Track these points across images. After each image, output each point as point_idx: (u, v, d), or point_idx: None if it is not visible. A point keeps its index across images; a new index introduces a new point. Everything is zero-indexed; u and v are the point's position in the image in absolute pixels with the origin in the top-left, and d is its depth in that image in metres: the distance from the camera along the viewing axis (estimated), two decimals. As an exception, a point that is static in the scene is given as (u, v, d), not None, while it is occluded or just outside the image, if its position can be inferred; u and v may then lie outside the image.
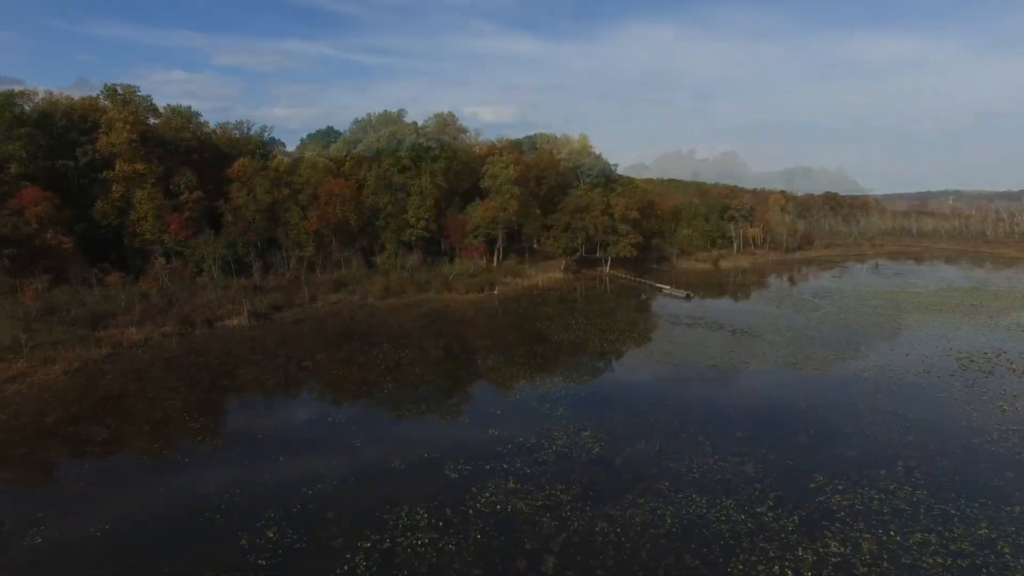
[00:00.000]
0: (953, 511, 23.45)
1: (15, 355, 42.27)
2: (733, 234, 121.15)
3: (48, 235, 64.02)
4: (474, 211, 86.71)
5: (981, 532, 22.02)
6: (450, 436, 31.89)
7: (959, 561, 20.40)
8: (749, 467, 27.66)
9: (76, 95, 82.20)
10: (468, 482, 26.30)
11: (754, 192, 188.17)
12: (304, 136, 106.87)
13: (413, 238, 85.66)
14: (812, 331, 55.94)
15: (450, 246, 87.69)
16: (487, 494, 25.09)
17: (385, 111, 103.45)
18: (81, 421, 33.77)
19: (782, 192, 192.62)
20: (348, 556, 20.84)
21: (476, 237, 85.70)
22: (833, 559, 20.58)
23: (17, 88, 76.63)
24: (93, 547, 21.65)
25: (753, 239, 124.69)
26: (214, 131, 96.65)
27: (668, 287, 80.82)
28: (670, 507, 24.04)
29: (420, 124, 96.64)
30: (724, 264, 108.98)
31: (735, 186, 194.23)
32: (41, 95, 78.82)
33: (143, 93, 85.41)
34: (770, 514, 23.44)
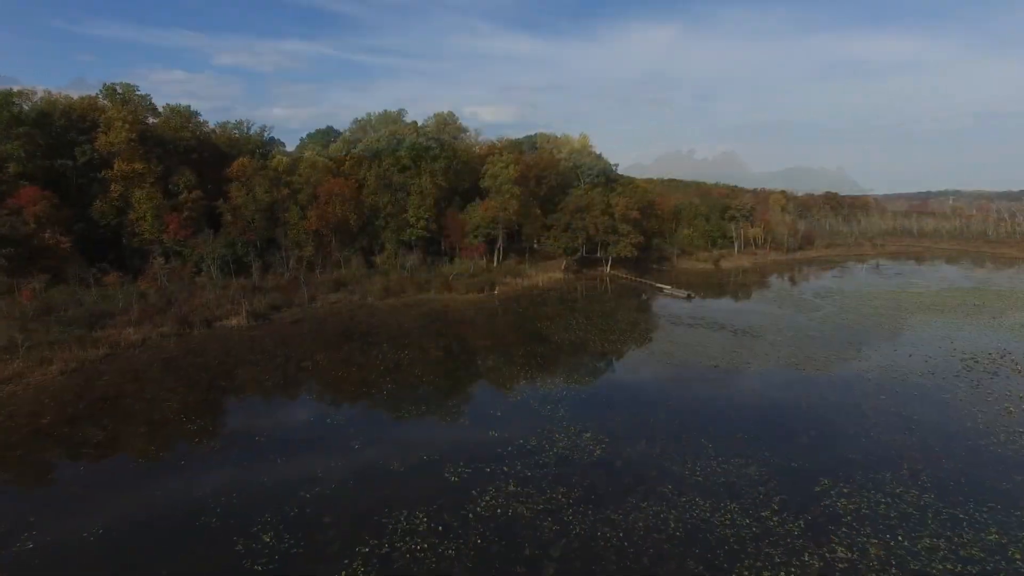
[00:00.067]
0: (961, 515, 23.09)
1: (11, 356, 41.90)
2: (734, 234, 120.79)
3: (46, 235, 63.69)
4: (474, 211, 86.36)
5: (991, 537, 21.64)
6: (450, 438, 31.54)
7: (969, 567, 20.04)
8: (753, 469, 27.30)
9: (74, 95, 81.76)
10: (468, 485, 25.94)
11: (754, 192, 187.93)
12: (304, 136, 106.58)
13: (413, 238, 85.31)
14: (814, 331, 55.59)
15: (450, 246, 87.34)
16: (487, 498, 24.74)
17: (385, 111, 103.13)
18: (77, 422, 33.41)
19: (782, 192, 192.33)
20: (346, 561, 20.49)
21: (476, 237, 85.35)
22: (840, 565, 20.23)
23: (16, 87, 76.26)
24: (86, 551, 21.29)
25: (754, 239, 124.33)
26: (213, 131, 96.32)
27: (669, 287, 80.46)
28: (673, 511, 23.68)
29: (420, 124, 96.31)
30: (725, 264, 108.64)
31: (735, 186, 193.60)
32: (40, 94, 78.56)
33: (142, 92, 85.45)
34: (775, 518, 23.09)
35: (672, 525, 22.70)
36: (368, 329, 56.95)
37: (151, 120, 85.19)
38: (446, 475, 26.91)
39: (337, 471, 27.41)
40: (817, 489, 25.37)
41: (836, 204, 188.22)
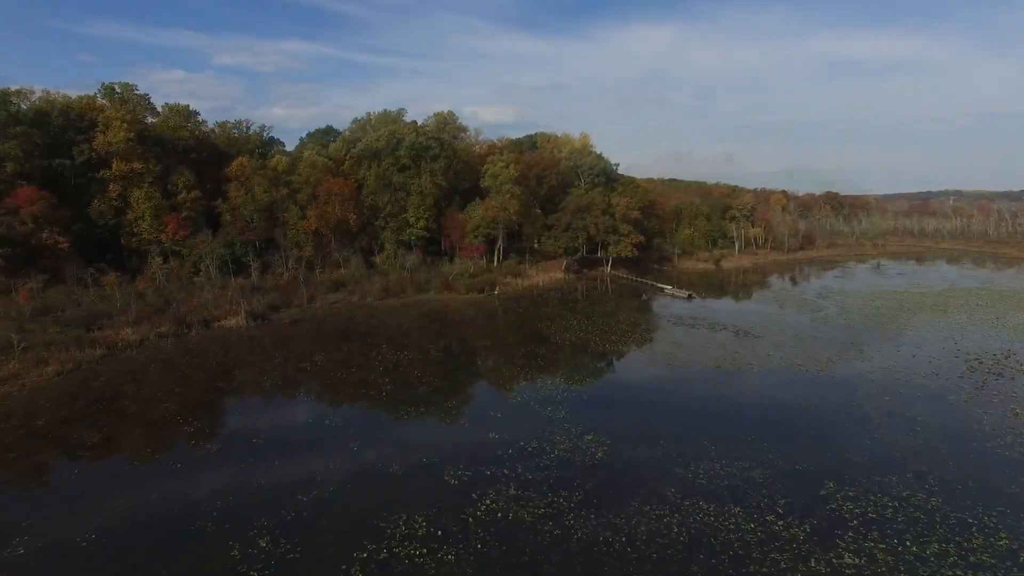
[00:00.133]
0: (970, 520, 22.71)
1: (7, 356, 41.53)
2: (734, 234, 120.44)
3: (44, 235, 63.40)
4: (474, 211, 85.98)
5: (1002, 543, 21.26)
6: (450, 439, 31.17)
7: (980, 574, 19.67)
8: (756, 472, 26.93)
9: (72, 94, 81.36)
10: (468, 488, 25.57)
11: (755, 192, 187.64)
12: (303, 135, 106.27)
13: (413, 238, 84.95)
14: (816, 332, 55.22)
15: (450, 246, 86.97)
16: (487, 501, 24.36)
17: (385, 110, 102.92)
18: (73, 424, 33.05)
19: (783, 192, 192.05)
20: (343, 567, 20.12)
21: (476, 237, 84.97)
22: (848, 571, 19.84)
23: (14, 87, 75.93)
24: (80, 557, 20.92)
25: (754, 239, 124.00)
26: (212, 130, 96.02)
27: (670, 287, 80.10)
28: (676, 515, 23.30)
29: (420, 123, 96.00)
30: (726, 264, 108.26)
31: (736, 186, 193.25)
32: (38, 93, 78.26)
33: (140, 92, 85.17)
34: (780, 523, 22.71)
35: (675, 530, 22.32)
36: (367, 329, 56.59)
37: (150, 120, 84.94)
38: (446, 478, 26.55)
39: (335, 473, 27.04)
40: (822, 492, 25.00)
41: (837, 204, 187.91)
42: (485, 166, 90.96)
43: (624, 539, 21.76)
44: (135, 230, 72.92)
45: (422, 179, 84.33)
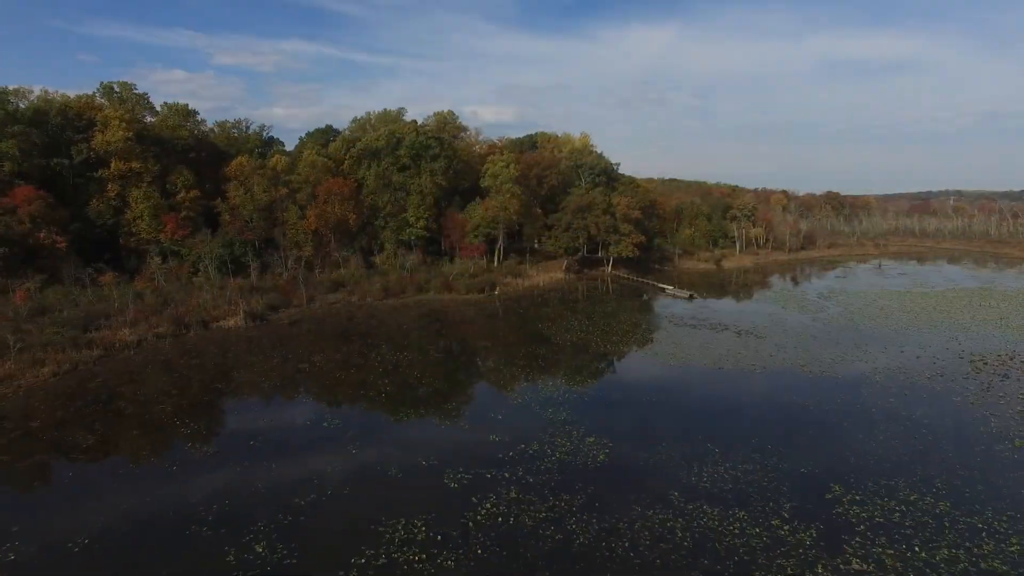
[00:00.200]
0: (980, 525, 22.30)
1: (3, 357, 41.10)
2: (735, 234, 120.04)
3: (41, 234, 63.07)
4: (474, 210, 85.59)
5: (1013, 548, 20.84)
6: (449, 442, 30.77)
7: (991, 580, 19.29)
8: (761, 475, 26.53)
9: (71, 93, 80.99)
10: (468, 492, 25.18)
11: (755, 192, 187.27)
12: (303, 135, 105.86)
13: (413, 238, 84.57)
14: (819, 332, 54.83)
15: (450, 246, 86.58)
16: (488, 505, 23.97)
17: (385, 110, 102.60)
18: (68, 426, 32.66)
19: (784, 192, 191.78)
20: (341, 573, 19.73)
21: (476, 237, 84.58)
22: (855, 577, 19.46)
23: (12, 86, 75.59)
24: (72, 563, 20.52)
25: (755, 239, 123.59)
26: (212, 129, 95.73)
27: (671, 287, 79.71)
28: (680, 519, 22.90)
29: (420, 123, 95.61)
30: (727, 264, 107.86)
31: (736, 186, 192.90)
32: (36, 93, 77.92)
33: (139, 91, 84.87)
34: (786, 527, 22.31)
35: (679, 534, 21.93)
36: (367, 330, 56.21)
37: (149, 119, 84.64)
38: (445, 481, 26.16)
39: (334, 476, 26.66)
40: (828, 496, 24.60)
41: (837, 204, 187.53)
42: (485, 166, 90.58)
43: (627, 544, 21.37)
44: (134, 230, 72.59)
45: (422, 179, 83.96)
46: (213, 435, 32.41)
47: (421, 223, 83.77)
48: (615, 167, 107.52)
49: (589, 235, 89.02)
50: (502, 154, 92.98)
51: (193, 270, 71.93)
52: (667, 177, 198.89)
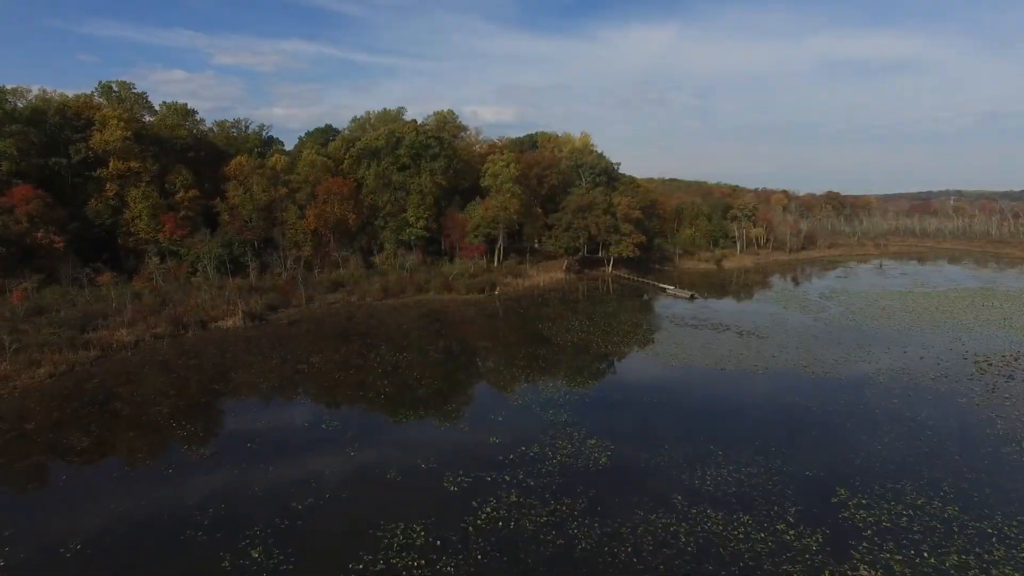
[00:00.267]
0: (990, 530, 21.91)
1: (-1, 358, 40.77)
2: (736, 234, 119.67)
3: (39, 234, 62.68)
4: (474, 210, 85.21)
5: None
6: (449, 444, 30.39)
7: (1002, 587, 18.91)
8: (765, 478, 26.16)
9: (69, 92, 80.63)
10: (468, 495, 24.81)
11: (755, 192, 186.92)
12: (302, 135, 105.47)
13: (412, 237, 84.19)
14: (821, 333, 54.46)
15: (450, 246, 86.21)
16: (488, 509, 23.59)
17: (384, 109, 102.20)
18: (63, 428, 32.28)
19: (784, 192, 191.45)
20: (339, 579, 19.36)
21: (476, 237, 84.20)
22: (863, 583, 19.09)
23: (10, 86, 75.20)
24: (64, 568, 20.13)
25: (756, 239, 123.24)
26: (211, 129, 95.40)
27: (672, 287, 79.34)
28: (684, 524, 22.53)
29: (420, 122, 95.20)
30: (727, 264, 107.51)
31: (736, 186, 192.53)
32: (34, 92, 77.55)
33: (138, 90, 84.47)
34: (791, 532, 21.93)
35: (683, 539, 21.55)
36: (366, 330, 55.84)
37: (147, 118, 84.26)
38: (445, 484, 25.79)
39: (332, 480, 26.29)
40: (834, 500, 24.23)
41: (838, 204, 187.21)
42: (485, 165, 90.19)
43: (630, 549, 21.00)
44: (132, 230, 72.20)
45: (422, 178, 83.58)
46: (210, 437, 32.03)
47: (421, 223, 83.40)
48: (616, 167, 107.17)
49: (589, 235, 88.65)
50: (502, 154, 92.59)
51: (192, 270, 71.58)
52: (667, 177, 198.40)
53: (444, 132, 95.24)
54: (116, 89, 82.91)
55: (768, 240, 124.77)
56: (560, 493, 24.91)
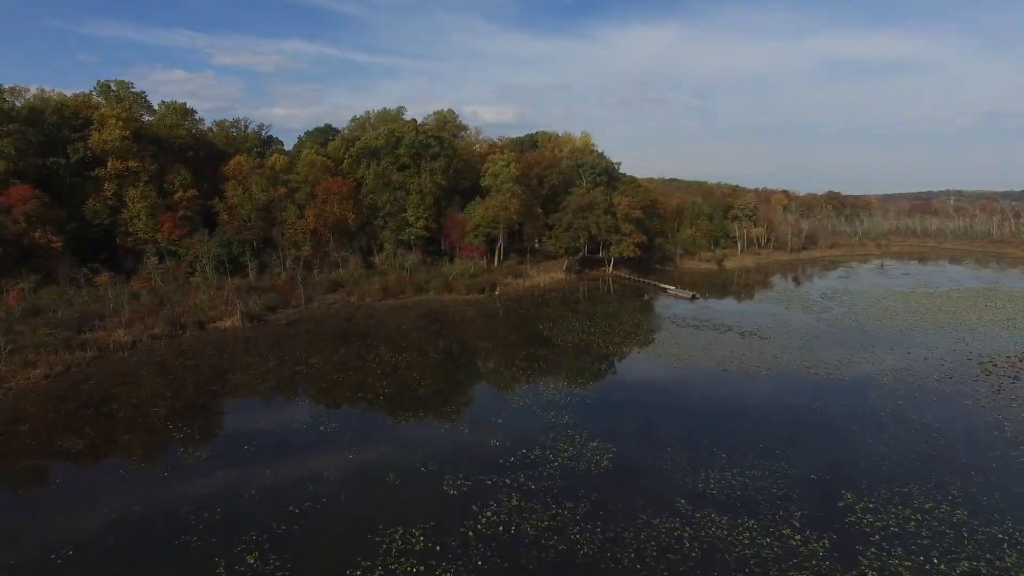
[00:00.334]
0: (1000, 535, 21.50)
1: (-6, 359, 40.36)
2: (737, 234, 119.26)
3: (36, 234, 62.28)
4: (474, 210, 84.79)
5: (1035, 561, 20.07)
6: (449, 447, 29.97)
7: (1014, 594, 18.50)
8: (770, 482, 25.76)
9: (67, 92, 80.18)
10: (468, 499, 24.40)
11: (756, 192, 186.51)
12: (302, 134, 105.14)
13: (412, 237, 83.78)
14: (823, 333, 54.05)
15: (450, 246, 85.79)
16: (488, 513, 23.18)
17: (384, 108, 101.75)
18: (58, 430, 31.87)
19: (784, 192, 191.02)
20: (336, 585, 18.95)
21: (476, 237, 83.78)
22: (871, 590, 18.68)
23: (7, 85, 74.81)
24: (54, 574, 19.71)
25: (757, 239, 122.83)
26: (210, 129, 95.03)
27: (673, 287, 78.92)
28: (688, 529, 22.11)
29: (420, 122, 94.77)
30: (728, 264, 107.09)
31: (737, 186, 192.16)
32: (32, 91, 77.16)
33: (137, 89, 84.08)
34: (797, 537, 21.52)
35: (687, 545, 21.14)
36: (366, 331, 55.43)
37: (146, 118, 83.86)
38: (445, 488, 25.38)
39: (329, 483, 25.89)
40: (840, 504, 23.81)
41: (838, 204, 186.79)
42: (485, 165, 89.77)
43: (633, 555, 20.59)
44: (130, 229, 71.80)
45: (422, 178, 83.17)
46: (207, 439, 31.64)
47: (421, 223, 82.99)
48: (616, 166, 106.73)
49: (590, 235, 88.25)
50: (502, 153, 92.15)
51: (190, 270, 71.21)
52: (667, 177, 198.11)
53: (444, 132, 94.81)
54: (114, 88, 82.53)
55: (769, 240, 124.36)
56: (561, 497, 24.51)
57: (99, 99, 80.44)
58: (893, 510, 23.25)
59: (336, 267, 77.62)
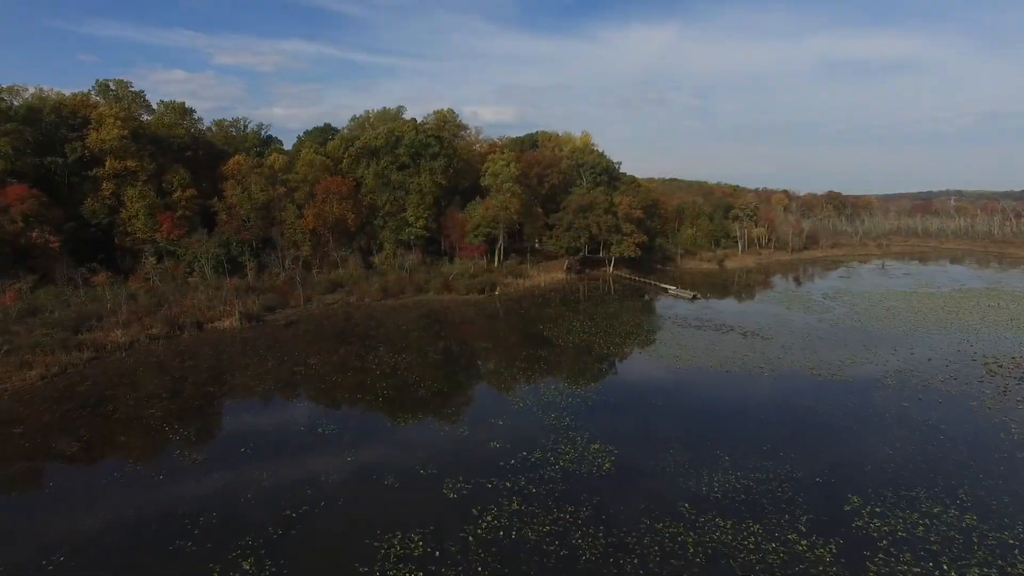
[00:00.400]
0: (1011, 540, 21.08)
1: (-11, 360, 39.95)
2: (738, 234, 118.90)
3: (34, 234, 61.92)
4: (474, 210, 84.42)
5: (1048, 567, 19.67)
6: (449, 449, 29.58)
7: (1026, 602, 18.11)
8: (774, 485, 25.37)
9: (66, 91, 79.80)
10: (468, 503, 24.01)
11: (756, 192, 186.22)
12: (300, 133, 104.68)
13: (412, 237, 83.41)
14: (825, 334, 53.66)
15: (450, 246, 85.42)
16: (489, 518, 22.79)
17: (384, 108, 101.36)
18: (53, 432, 31.47)
19: (784, 192, 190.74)
20: (333, 592, 18.56)
21: (476, 236, 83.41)
22: (880, 597, 18.29)
23: (5, 85, 74.43)
24: (49, 580, 19.35)
25: (758, 239, 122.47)
26: (209, 128, 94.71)
27: (674, 288, 78.54)
28: (692, 533, 21.72)
29: (420, 121, 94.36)
30: (729, 264, 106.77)
31: (737, 185, 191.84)
32: (31, 90, 76.80)
33: (135, 88, 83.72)
34: (804, 542, 21.12)
35: (691, 550, 20.74)
36: (365, 331, 55.04)
37: (145, 117, 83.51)
38: (444, 491, 24.99)
39: (327, 487, 25.49)
40: (846, 508, 23.42)
41: (839, 204, 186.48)
42: (486, 164, 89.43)
43: (636, 560, 20.19)
44: (129, 229, 71.48)
45: (421, 177, 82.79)
46: (204, 441, 31.22)
47: (420, 222, 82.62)
48: (617, 166, 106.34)
49: (590, 235, 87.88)
50: (502, 153, 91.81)
51: (189, 270, 70.87)
52: (667, 177, 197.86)
53: (444, 131, 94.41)
54: (113, 88, 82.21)
55: (770, 240, 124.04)
56: (563, 500, 24.12)
57: (97, 98, 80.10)
58: (900, 514, 22.85)
59: (335, 267, 77.25)
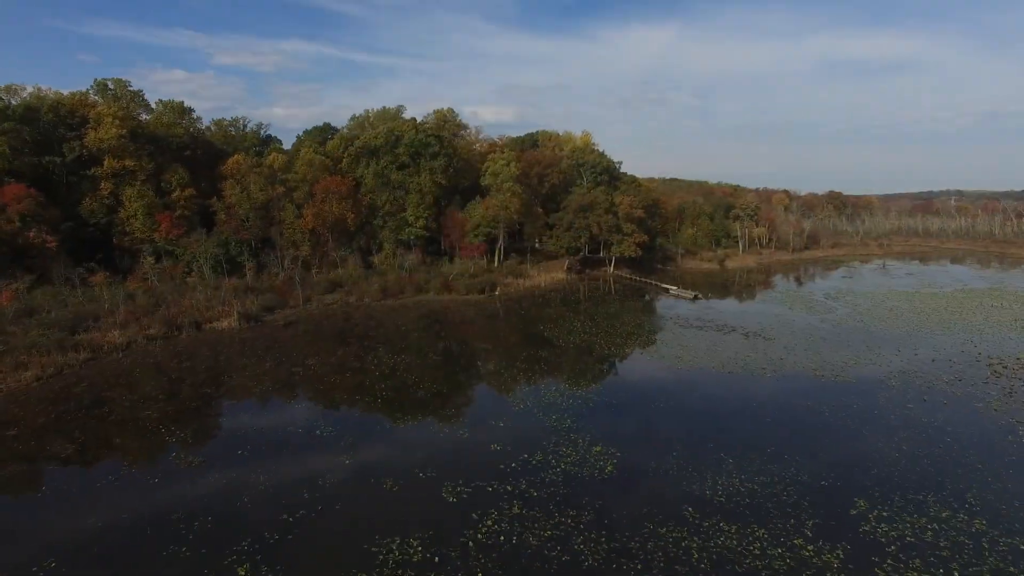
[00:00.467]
0: (1023, 547, 20.69)
1: (-15, 361, 39.55)
2: (739, 234, 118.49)
3: (31, 233, 61.57)
4: (474, 209, 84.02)
5: (1060, 574, 19.28)
6: (448, 451, 29.19)
7: (1039, 609, 17.73)
8: (779, 488, 24.97)
9: (64, 91, 79.41)
10: (468, 507, 23.62)
11: (756, 191, 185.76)
12: (300, 133, 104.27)
13: (412, 237, 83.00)
14: (828, 334, 53.27)
15: (450, 245, 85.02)
16: (489, 522, 22.39)
17: (384, 107, 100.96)
18: (47, 434, 31.08)
19: (785, 191, 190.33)
20: (330, 599, 18.18)
21: (476, 236, 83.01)
22: (889, 605, 17.90)
23: (3, 84, 74.04)
24: (40, 586, 18.97)
25: (758, 239, 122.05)
26: (208, 128, 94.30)
27: (674, 288, 78.14)
28: (696, 538, 21.33)
29: (419, 120, 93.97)
30: (730, 264, 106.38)
31: (738, 185, 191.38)
32: (29, 90, 76.43)
33: (134, 88, 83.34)
34: (810, 547, 20.73)
35: (696, 555, 20.35)
36: (364, 331, 54.64)
37: (143, 116, 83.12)
38: (444, 495, 24.60)
39: (325, 490, 25.10)
40: (853, 512, 23.02)
41: (840, 203, 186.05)
42: (486, 164, 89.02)
43: (639, 566, 19.80)
44: (127, 229, 71.11)
45: (421, 177, 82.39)
46: (201, 443, 30.83)
47: (420, 222, 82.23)
48: (617, 166, 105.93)
49: (591, 235, 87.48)
50: (503, 152, 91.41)
51: (187, 270, 70.49)
52: (668, 177, 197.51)
53: (444, 131, 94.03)
54: (112, 87, 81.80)
55: (771, 240, 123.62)
56: (564, 504, 23.73)
57: (96, 97, 79.71)
58: (908, 519, 22.46)
59: (335, 267, 76.85)
